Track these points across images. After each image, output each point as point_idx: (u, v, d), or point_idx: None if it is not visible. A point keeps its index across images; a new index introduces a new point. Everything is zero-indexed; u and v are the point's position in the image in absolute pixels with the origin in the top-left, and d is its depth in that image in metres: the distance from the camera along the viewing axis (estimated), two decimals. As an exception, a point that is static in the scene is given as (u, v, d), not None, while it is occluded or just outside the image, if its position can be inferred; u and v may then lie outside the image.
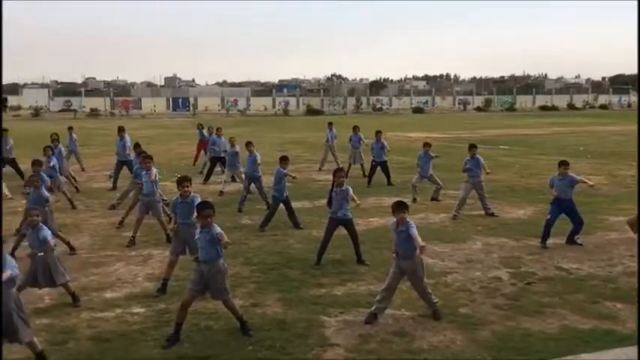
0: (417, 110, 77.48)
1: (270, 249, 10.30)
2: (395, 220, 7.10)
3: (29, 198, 9.95)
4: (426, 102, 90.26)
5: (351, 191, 9.34)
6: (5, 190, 15.05)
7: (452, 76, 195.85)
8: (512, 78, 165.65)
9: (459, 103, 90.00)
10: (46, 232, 7.47)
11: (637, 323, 6.79)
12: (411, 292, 7.54)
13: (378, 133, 17.37)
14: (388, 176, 17.15)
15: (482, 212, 12.88)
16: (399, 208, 7.07)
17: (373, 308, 7.10)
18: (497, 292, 8.07)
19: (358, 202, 9.48)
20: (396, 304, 7.42)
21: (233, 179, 16.49)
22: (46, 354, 5.91)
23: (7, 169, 16.75)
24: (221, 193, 15.18)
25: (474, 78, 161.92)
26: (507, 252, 10.08)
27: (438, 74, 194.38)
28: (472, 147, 12.95)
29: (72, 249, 9.95)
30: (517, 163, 22.08)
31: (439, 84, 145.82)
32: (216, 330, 6.82)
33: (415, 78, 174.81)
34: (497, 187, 16.12)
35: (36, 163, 11.26)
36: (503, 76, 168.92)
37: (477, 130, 40.67)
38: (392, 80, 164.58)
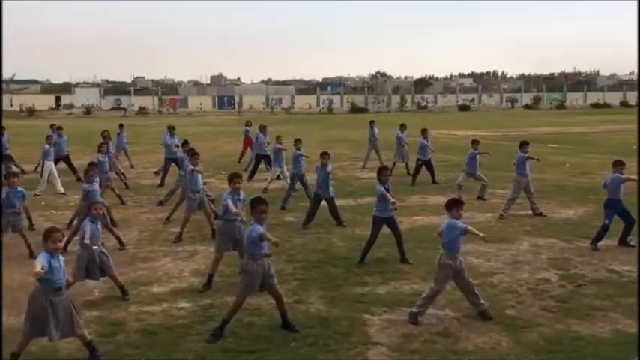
0: (463, 108, 76.33)
1: (314, 247, 10.33)
2: (448, 218, 7.05)
3: (85, 193, 10.27)
4: (472, 99, 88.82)
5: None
6: (59, 186, 15.60)
7: (499, 73, 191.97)
8: (563, 75, 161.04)
9: (506, 101, 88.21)
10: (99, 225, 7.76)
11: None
12: (456, 292, 7.44)
13: (424, 131, 17.22)
14: (433, 174, 16.97)
15: (530, 212, 12.58)
16: (456, 205, 7.06)
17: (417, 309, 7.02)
18: (546, 294, 7.87)
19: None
20: (440, 304, 7.32)
21: (277, 177, 16.60)
22: (95, 344, 6.09)
23: (61, 166, 17.33)
24: (265, 190, 15.31)
25: (523, 75, 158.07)
26: (556, 253, 9.82)
27: (484, 71, 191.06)
28: (524, 144, 12.70)
29: (121, 244, 10.22)
30: (567, 162, 21.47)
31: (486, 81, 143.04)
32: (259, 326, 6.89)
33: (461, 75, 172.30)
34: (546, 186, 15.72)
35: (92, 165, 11.57)
36: (552, 73, 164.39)
37: (525, 127, 39.76)
38: (437, 78, 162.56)
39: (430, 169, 17.00)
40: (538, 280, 8.43)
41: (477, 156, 14.40)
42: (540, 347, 6.28)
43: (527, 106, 79.00)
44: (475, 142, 14.66)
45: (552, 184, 16.34)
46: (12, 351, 5.80)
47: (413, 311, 6.97)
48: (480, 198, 14.35)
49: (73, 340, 6.11)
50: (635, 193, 10.91)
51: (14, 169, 13.81)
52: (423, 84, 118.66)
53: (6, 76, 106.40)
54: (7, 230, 9.72)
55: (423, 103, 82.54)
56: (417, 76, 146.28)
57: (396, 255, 9.44)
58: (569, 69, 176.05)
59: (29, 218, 11.23)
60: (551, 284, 8.28)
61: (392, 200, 9.12)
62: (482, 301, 7.11)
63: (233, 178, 8.43)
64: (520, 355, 6.12)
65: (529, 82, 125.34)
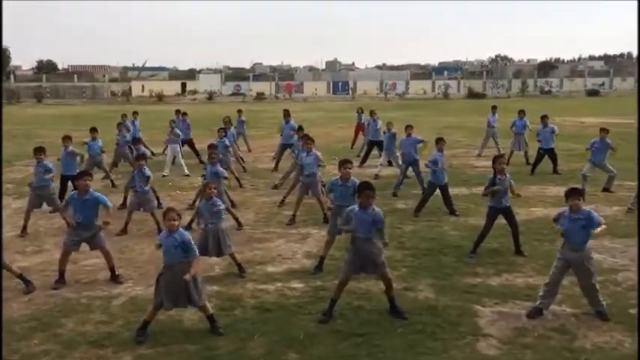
0: (592, 93, 71.21)
1: (424, 234, 10.26)
2: (567, 207, 6.73)
3: (206, 173, 10.90)
4: (603, 84, 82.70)
5: (511, 181, 9.04)
6: (184, 169, 16.63)
7: (634, 55, 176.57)
8: None
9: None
10: (221, 205, 8.18)
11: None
12: (575, 287, 7.10)
13: (544, 118, 16.36)
14: (555, 164, 16.10)
15: (664, 207, 11.59)
16: (573, 194, 6.71)
17: (538, 303, 6.80)
18: (677, 296, 7.28)
19: (518, 192, 9.04)
20: (557, 299, 7.02)
21: (389, 163, 16.60)
22: (215, 318, 6.51)
23: (186, 148, 18.44)
24: (376, 176, 15.36)
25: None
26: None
27: (618, 53, 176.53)
28: None
29: (239, 224, 10.75)
30: None
31: (619, 64, 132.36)
32: (368, 310, 7.00)
33: (591, 58, 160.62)
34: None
35: (211, 147, 12.28)
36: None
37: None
38: (563, 60, 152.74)
39: (553, 158, 16.14)
40: (669, 281, 7.80)
41: (610, 148, 13.45)
42: (668, 352, 5.85)
43: (665, 91, 72.18)
44: (604, 131, 13.69)
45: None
46: (143, 318, 6.36)
47: (536, 304, 6.78)
48: (605, 190, 13.46)
49: (196, 312, 6.59)
50: None
51: (144, 151, 14.89)
52: (547, 67, 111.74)
53: (139, 62, 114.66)
54: (138, 208, 10.59)
55: (547, 88, 78.07)
56: (541, 59, 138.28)
57: (510, 247, 9.16)
58: None
59: (157, 198, 12.11)
60: (685, 286, 7.62)
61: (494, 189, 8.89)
62: (602, 301, 6.73)
63: (344, 164, 8.53)
64: (644, 358, 5.74)
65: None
